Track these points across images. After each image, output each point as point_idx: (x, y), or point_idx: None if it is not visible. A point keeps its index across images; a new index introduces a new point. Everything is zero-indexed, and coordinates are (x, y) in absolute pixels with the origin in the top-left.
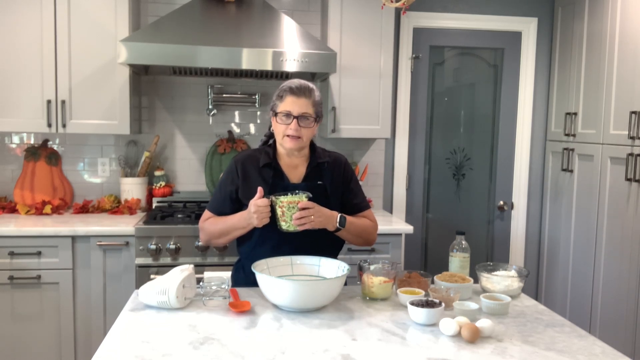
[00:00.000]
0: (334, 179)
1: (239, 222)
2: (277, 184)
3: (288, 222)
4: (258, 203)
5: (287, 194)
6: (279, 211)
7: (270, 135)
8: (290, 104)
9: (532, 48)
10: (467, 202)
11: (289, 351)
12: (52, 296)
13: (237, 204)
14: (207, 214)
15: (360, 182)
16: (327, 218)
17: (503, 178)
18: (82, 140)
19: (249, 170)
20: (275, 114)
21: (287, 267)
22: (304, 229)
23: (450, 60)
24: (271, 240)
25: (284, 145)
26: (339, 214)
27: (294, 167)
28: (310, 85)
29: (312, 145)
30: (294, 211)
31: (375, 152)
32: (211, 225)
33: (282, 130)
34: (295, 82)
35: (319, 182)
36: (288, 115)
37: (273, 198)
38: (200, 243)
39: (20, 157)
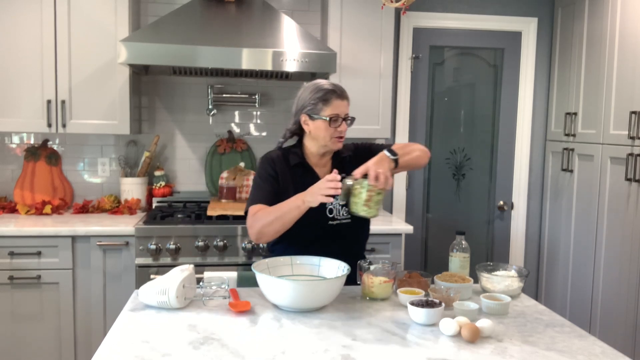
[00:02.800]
0: (355, 167)
1: (294, 202)
2: (309, 183)
3: (372, 208)
4: (330, 177)
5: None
6: (365, 195)
7: (291, 136)
8: (338, 107)
9: (532, 48)
10: (467, 202)
11: (289, 351)
12: (52, 296)
13: (277, 199)
14: (255, 207)
15: None
16: (385, 164)
17: (503, 178)
18: (82, 140)
19: (282, 169)
20: (318, 118)
21: (287, 267)
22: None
23: (450, 60)
24: (308, 237)
25: (331, 147)
26: (384, 151)
27: (322, 165)
28: (342, 85)
29: None
30: (380, 197)
31: None
32: (264, 213)
33: (330, 134)
34: (333, 84)
35: (343, 175)
36: (337, 118)
37: (360, 180)
38: (200, 243)
39: (20, 157)
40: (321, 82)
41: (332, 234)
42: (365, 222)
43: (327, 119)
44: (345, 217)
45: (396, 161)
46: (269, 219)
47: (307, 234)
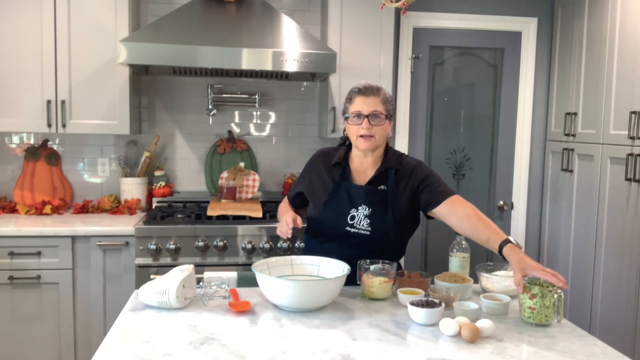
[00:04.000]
0: (399, 187)
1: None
2: (340, 184)
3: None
4: (288, 222)
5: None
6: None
7: (343, 141)
8: (359, 104)
9: (532, 48)
10: None
11: (289, 351)
12: (52, 296)
13: (303, 198)
14: (285, 200)
15: None
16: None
17: (503, 178)
18: (82, 140)
19: (323, 165)
20: (346, 117)
21: (287, 267)
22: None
23: (450, 60)
24: (325, 235)
25: (358, 147)
26: (505, 240)
27: (363, 171)
28: (378, 84)
29: (387, 150)
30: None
31: None
32: (284, 203)
33: (355, 132)
34: (363, 83)
35: (379, 187)
36: (359, 115)
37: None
38: (200, 243)
39: (20, 157)
40: (357, 83)
41: (348, 240)
42: (386, 238)
43: (347, 117)
44: (365, 229)
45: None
46: (280, 213)
47: (325, 232)
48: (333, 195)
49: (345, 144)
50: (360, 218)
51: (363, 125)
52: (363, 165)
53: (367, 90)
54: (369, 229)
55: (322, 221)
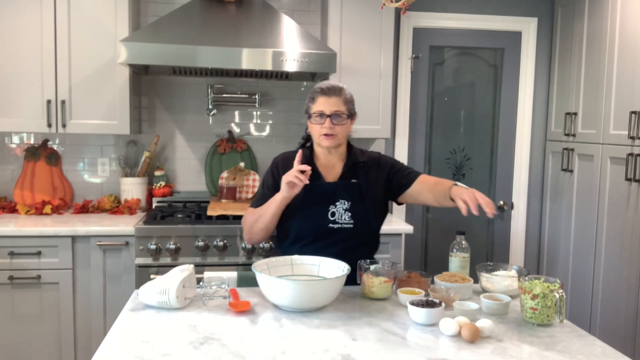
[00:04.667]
0: (369, 178)
1: (274, 200)
2: (313, 183)
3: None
4: (297, 168)
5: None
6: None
7: (307, 139)
8: (322, 104)
9: (532, 48)
10: None
11: (289, 351)
12: (52, 296)
13: None
14: (246, 212)
15: None
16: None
17: (503, 178)
18: (82, 140)
19: (287, 169)
20: (310, 116)
21: (287, 267)
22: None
23: (450, 60)
24: (308, 238)
25: (321, 144)
26: (454, 183)
27: (331, 167)
28: (340, 84)
29: (349, 146)
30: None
31: None
32: (251, 213)
33: (317, 130)
34: (325, 82)
35: (353, 181)
36: (321, 115)
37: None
38: (200, 243)
39: (20, 157)
40: (320, 83)
41: (333, 237)
42: (371, 229)
43: (310, 116)
44: (348, 222)
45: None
46: (254, 218)
47: (308, 234)
48: (308, 195)
49: (307, 145)
50: (340, 213)
51: (326, 125)
52: (330, 162)
53: (329, 91)
54: (352, 221)
55: (303, 223)
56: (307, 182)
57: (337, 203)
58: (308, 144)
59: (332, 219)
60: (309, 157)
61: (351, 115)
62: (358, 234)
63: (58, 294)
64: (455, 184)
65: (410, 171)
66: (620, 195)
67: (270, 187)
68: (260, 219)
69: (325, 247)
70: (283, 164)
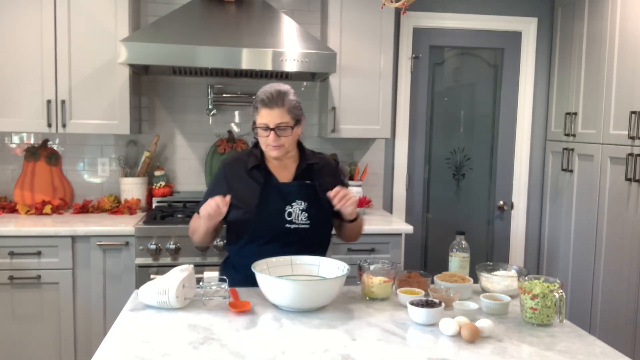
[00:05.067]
0: (323, 180)
1: (200, 218)
2: (268, 185)
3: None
4: (218, 201)
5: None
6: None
7: (256, 142)
8: (265, 117)
9: (532, 48)
10: (467, 202)
11: (289, 351)
12: (52, 296)
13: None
14: (194, 216)
15: (360, 182)
16: (355, 203)
17: (503, 178)
18: (82, 140)
19: (238, 172)
20: (254, 127)
21: (286, 267)
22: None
23: (450, 60)
24: (263, 238)
25: (269, 155)
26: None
27: (283, 167)
28: (282, 90)
29: (301, 147)
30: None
31: (375, 152)
32: (192, 220)
33: (264, 141)
34: (267, 91)
35: (307, 182)
36: (265, 128)
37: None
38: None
39: (20, 157)
40: (263, 89)
41: (289, 237)
42: (325, 228)
43: (256, 129)
44: (304, 222)
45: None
46: (192, 228)
47: (264, 234)
48: (264, 195)
49: (258, 147)
50: (297, 213)
51: (270, 138)
52: (282, 164)
53: (270, 102)
54: (308, 222)
55: (259, 224)
56: (226, 209)
57: (293, 203)
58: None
59: (288, 219)
60: (260, 158)
61: (297, 122)
62: (314, 234)
63: (58, 294)
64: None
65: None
66: (620, 195)
67: (217, 190)
68: (196, 232)
69: (281, 247)
70: (232, 167)
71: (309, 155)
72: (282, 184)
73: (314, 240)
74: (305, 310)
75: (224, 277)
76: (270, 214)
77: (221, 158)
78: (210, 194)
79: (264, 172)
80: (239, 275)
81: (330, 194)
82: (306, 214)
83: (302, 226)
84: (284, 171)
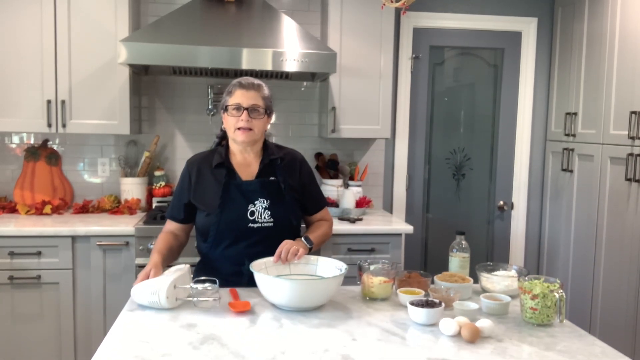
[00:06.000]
0: (288, 176)
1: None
2: (230, 183)
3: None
4: (146, 272)
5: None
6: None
7: (223, 137)
8: (239, 97)
9: (532, 48)
10: (467, 202)
11: (289, 351)
12: (52, 296)
13: (191, 208)
14: (166, 222)
15: (360, 182)
16: (300, 244)
17: (503, 178)
18: (82, 140)
19: (202, 171)
20: (226, 109)
21: (284, 266)
22: (298, 259)
23: (450, 60)
24: (228, 239)
25: (236, 140)
26: (303, 237)
27: (247, 165)
28: (259, 81)
29: (265, 144)
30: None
31: (375, 152)
32: (162, 230)
33: (233, 124)
34: (245, 77)
35: (271, 178)
36: (238, 107)
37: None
38: None
39: (20, 157)
40: (239, 78)
41: (253, 236)
42: (289, 226)
43: (226, 108)
44: (268, 221)
45: (310, 248)
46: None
47: (228, 235)
48: (226, 196)
49: (222, 145)
50: (260, 212)
51: (242, 117)
52: (246, 160)
53: (248, 85)
54: (272, 220)
55: (222, 225)
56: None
57: (256, 202)
58: (223, 142)
59: (251, 218)
60: (225, 156)
61: (269, 112)
62: (279, 232)
63: (58, 294)
64: (305, 238)
65: (319, 198)
66: (620, 195)
67: (180, 196)
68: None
69: (246, 248)
70: (195, 167)
71: (273, 150)
72: (244, 182)
73: (278, 238)
74: (303, 309)
75: (215, 279)
76: (233, 214)
77: None
78: (176, 196)
79: (227, 171)
80: (212, 276)
81: (275, 257)
82: (269, 212)
83: (265, 225)
84: (247, 169)
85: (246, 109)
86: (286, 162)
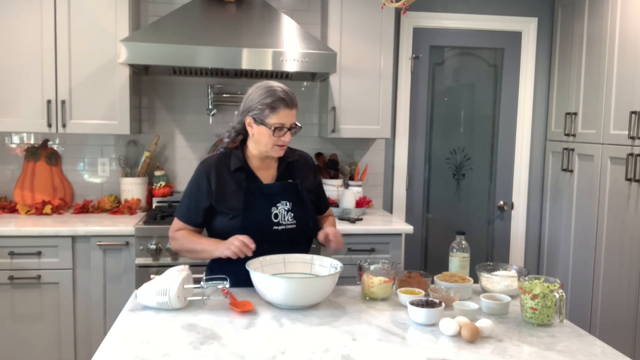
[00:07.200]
0: (304, 177)
1: (209, 248)
2: (251, 187)
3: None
4: (245, 241)
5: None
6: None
7: (236, 135)
8: (284, 117)
9: (532, 48)
10: (467, 202)
11: (289, 351)
12: (52, 296)
13: (209, 212)
14: (177, 223)
15: (360, 182)
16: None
17: (503, 178)
18: (82, 140)
19: (221, 175)
20: (263, 124)
21: (280, 265)
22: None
23: (450, 60)
24: (266, 244)
25: (271, 154)
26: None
27: (266, 168)
28: (293, 93)
29: None
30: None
31: (375, 152)
32: (183, 239)
33: (273, 142)
34: (281, 90)
35: (290, 181)
36: (282, 128)
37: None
38: None
39: (20, 157)
40: (273, 85)
41: (276, 239)
42: (308, 227)
43: (272, 128)
44: (291, 223)
45: None
46: (185, 248)
47: (252, 237)
48: (249, 199)
49: (234, 148)
50: (283, 214)
51: (285, 138)
52: (264, 164)
53: (291, 102)
54: (294, 222)
55: (247, 228)
56: (254, 247)
57: (278, 204)
58: (236, 143)
59: (275, 220)
60: (243, 159)
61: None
62: (300, 234)
63: (58, 294)
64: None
65: (325, 200)
66: (620, 195)
67: (198, 200)
68: (191, 254)
69: (268, 250)
70: (214, 170)
71: (288, 153)
72: (266, 186)
73: (299, 240)
74: (299, 307)
75: (225, 277)
76: (257, 217)
77: None
78: (192, 200)
79: (246, 174)
80: (231, 280)
81: (324, 237)
82: (292, 214)
83: (289, 227)
84: (266, 171)
85: (289, 129)
86: (301, 164)
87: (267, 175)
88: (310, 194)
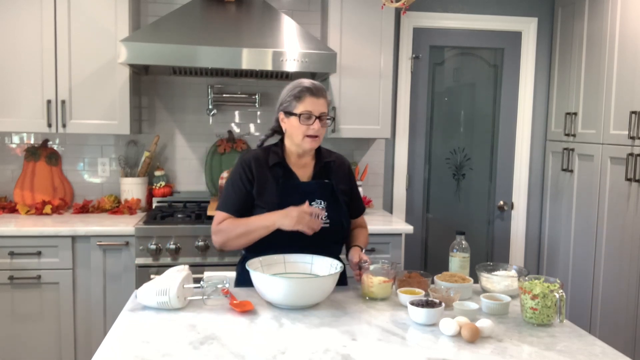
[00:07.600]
0: (340, 178)
1: (264, 222)
2: (288, 184)
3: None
4: (314, 211)
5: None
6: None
7: (271, 135)
8: (310, 104)
9: (532, 48)
10: (467, 202)
11: (289, 351)
12: (52, 296)
13: (249, 204)
14: (220, 215)
15: (360, 182)
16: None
17: (503, 178)
18: (82, 140)
19: (260, 169)
20: (292, 115)
21: (280, 265)
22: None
23: (450, 60)
24: (283, 239)
25: (303, 146)
26: (359, 247)
27: (302, 166)
28: (321, 84)
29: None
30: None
31: (375, 152)
32: (231, 225)
33: (302, 131)
34: (308, 82)
35: (326, 181)
36: (310, 116)
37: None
38: (200, 243)
39: (20, 157)
40: (301, 80)
41: (309, 237)
42: (342, 228)
43: (299, 115)
44: (325, 222)
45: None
46: (235, 233)
47: (284, 238)
48: (285, 195)
49: (272, 144)
50: None
51: (314, 126)
52: (301, 162)
53: (317, 91)
54: (328, 221)
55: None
56: (318, 229)
57: (313, 203)
58: (268, 141)
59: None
60: (281, 156)
61: (332, 117)
62: (333, 233)
63: (58, 294)
64: (358, 246)
65: (359, 204)
66: (620, 195)
67: (243, 190)
68: (243, 237)
69: (300, 248)
70: (254, 164)
71: (325, 154)
72: (303, 184)
73: (332, 240)
74: (299, 307)
75: (225, 277)
76: None
77: (221, 158)
78: (235, 188)
79: (284, 171)
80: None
81: (355, 265)
82: (326, 213)
83: (322, 226)
84: (302, 169)
85: (317, 117)
86: (337, 165)
87: (304, 173)
88: (344, 196)
